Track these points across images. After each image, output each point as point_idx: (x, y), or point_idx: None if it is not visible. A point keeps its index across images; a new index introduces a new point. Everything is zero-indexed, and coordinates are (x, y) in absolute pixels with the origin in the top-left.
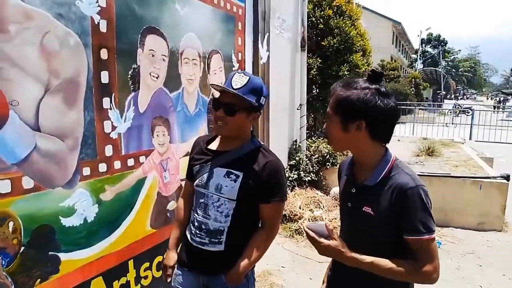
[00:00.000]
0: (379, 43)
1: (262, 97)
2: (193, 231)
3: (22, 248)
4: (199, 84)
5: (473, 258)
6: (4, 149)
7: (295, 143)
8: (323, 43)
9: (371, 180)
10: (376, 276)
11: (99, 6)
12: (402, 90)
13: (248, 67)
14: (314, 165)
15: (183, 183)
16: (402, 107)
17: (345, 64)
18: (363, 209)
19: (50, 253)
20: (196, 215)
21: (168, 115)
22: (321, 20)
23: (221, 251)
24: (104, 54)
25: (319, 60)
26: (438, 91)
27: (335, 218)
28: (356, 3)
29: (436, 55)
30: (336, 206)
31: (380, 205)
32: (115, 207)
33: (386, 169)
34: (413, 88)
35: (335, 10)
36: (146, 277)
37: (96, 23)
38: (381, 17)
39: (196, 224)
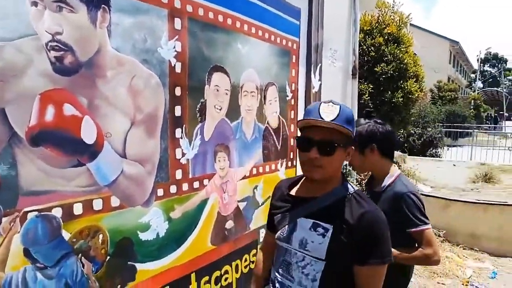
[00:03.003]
0: (435, 63)
1: (354, 128)
2: None
3: (108, 257)
4: (256, 113)
5: None
6: (99, 173)
7: (345, 167)
8: (376, 69)
9: None
10: None
11: (175, 51)
12: (459, 112)
13: (301, 96)
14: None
15: (240, 204)
16: (459, 130)
17: (399, 91)
18: None
19: (129, 263)
20: (277, 274)
21: (229, 142)
22: (372, 48)
23: None
24: (178, 91)
25: (371, 86)
26: (500, 112)
27: None
28: (408, 29)
29: (496, 74)
30: None
31: None
32: (182, 224)
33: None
34: (472, 110)
35: (386, 37)
36: None
37: (173, 65)
38: (437, 36)
39: (277, 285)
